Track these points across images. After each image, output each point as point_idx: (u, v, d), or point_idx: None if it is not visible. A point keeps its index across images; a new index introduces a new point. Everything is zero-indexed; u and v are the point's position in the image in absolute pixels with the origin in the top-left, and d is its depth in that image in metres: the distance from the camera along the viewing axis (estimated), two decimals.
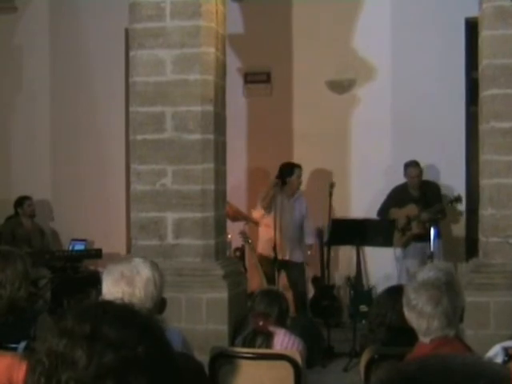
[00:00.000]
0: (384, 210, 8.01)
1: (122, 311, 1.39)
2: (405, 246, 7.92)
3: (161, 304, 2.88)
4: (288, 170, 7.68)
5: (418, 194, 7.97)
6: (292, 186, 7.70)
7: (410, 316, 2.75)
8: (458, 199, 7.77)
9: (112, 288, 2.76)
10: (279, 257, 7.49)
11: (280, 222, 7.51)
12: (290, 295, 7.01)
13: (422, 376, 1.02)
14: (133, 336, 1.31)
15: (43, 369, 1.30)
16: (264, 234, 7.75)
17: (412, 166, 7.93)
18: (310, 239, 7.99)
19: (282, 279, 7.72)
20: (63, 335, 1.31)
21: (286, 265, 7.68)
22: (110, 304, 1.44)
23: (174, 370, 1.37)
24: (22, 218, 8.81)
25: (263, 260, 7.67)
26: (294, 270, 7.75)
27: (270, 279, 7.49)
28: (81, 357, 1.27)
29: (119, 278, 2.79)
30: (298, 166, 7.75)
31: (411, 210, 7.85)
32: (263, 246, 7.74)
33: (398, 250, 8.08)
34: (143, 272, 2.81)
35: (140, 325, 1.36)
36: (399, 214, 7.85)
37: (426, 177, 8.07)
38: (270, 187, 7.64)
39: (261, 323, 4.09)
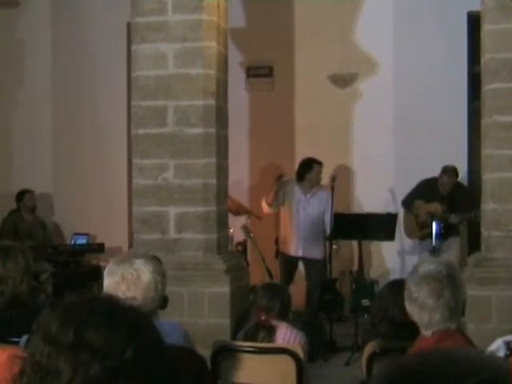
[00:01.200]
0: (409, 200, 7.91)
1: (109, 310, 1.35)
2: (422, 239, 7.85)
3: (163, 302, 2.87)
4: (307, 166, 7.48)
5: (446, 194, 7.77)
6: (310, 182, 7.48)
7: (412, 309, 2.75)
8: (476, 217, 7.38)
9: (112, 290, 2.76)
10: (293, 253, 7.48)
11: (294, 218, 7.47)
12: (293, 289, 6.99)
13: (424, 370, 1.02)
14: (120, 338, 1.28)
15: (28, 381, 1.28)
16: (282, 231, 7.64)
17: (447, 173, 7.70)
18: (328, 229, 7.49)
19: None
20: (46, 341, 1.28)
21: (302, 261, 7.60)
22: (96, 302, 1.40)
23: (166, 365, 1.35)
24: (23, 211, 8.82)
25: (283, 258, 7.58)
26: (310, 267, 7.55)
27: (291, 276, 7.47)
28: (65, 368, 1.24)
29: (119, 281, 2.78)
30: (318, 163, 7.47)
31: (434, 208, 7.66)
32: (282, 244, 7.64)
33: (408, 243, 8.07)
34: (144, 276, 2.79)
35: (128, 323, 1.33)
36: (422, 209, 7.76)
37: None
38: (273, 183, 7.56)
39: (263, 317, 4.10)
